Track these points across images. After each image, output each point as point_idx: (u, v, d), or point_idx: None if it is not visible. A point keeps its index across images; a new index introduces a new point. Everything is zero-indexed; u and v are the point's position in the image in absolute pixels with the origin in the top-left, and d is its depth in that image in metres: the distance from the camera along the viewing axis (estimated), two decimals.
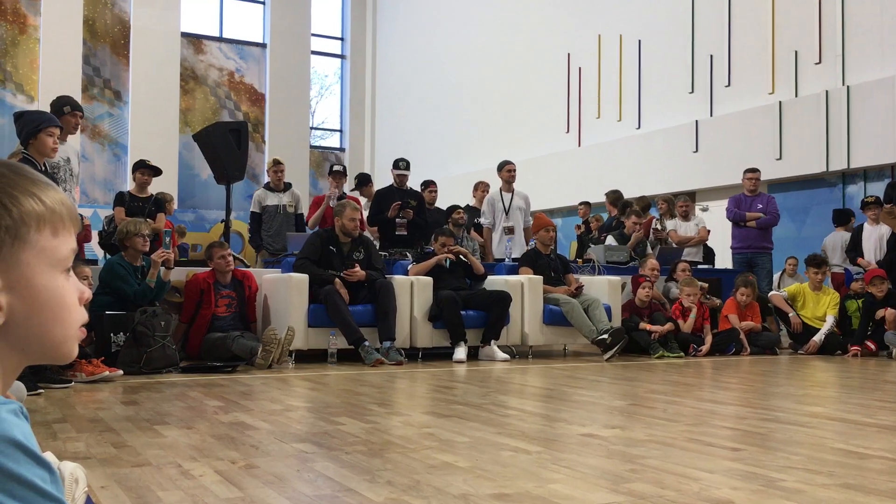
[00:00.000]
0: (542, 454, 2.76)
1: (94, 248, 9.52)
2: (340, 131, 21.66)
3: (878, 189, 10.40)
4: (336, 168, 8.76)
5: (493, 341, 6.81)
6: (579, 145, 15.26)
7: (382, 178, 11.10)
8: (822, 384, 5.45)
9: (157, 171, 7.91)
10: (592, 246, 9.20)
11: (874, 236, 8.71)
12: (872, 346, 7.68)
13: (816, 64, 11.37)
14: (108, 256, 7.47)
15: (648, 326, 7.33)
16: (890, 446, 2.99)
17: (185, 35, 18.71)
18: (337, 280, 6.43)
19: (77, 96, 15.92)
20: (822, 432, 3.31)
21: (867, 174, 10.88)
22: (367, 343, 6.21)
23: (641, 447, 2.90)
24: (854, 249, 8.84)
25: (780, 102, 11.65)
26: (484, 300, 6.92)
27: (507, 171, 8.88)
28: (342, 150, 21.38)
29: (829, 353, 7.80)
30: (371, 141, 21.46)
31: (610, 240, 9.03)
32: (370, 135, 21.51)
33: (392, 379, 5.31)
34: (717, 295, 8.38)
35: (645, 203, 10.17)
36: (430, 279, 6.91)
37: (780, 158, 11.50)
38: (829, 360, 7.32)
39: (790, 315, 8.10)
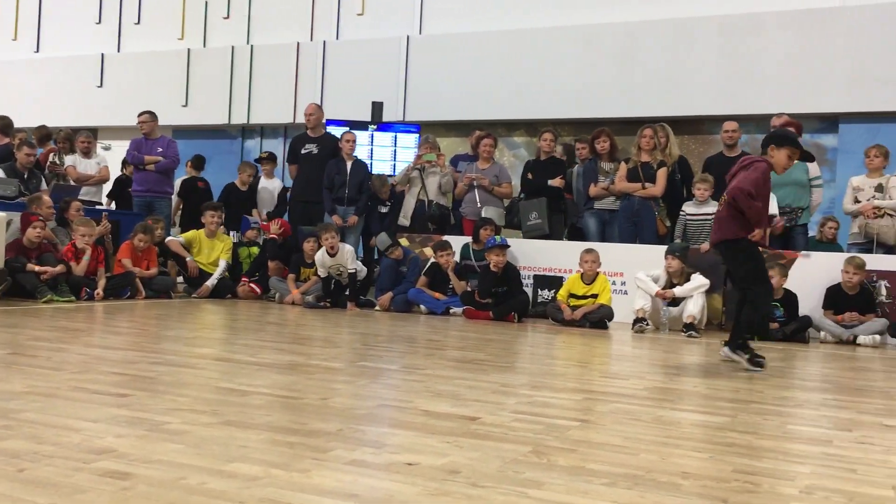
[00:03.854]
0: None
1: None
2: None
3: (273, 145, 11.27)
4: None
5: None
6: None
7: None
8: (213, 326, 5.70)
9: None
10: None
11: (269, 188, 9.46)
12: (258, 290, 8.34)
13: (225, 19, 11.76)
14: None
15: (37, 268, 6.78)
16: (268, 382, 3.26)
17: None
18: None
19: None
20: (210, 373, 3.45)
21: (264, 130, 11.69)
22: None
23: (19, 400, 2.65)
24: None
25: (188, 50, 11.77)
26: None
27: None
28: None
29: (220, 296, 8.21)
30: None
31: None
32: None
33: None
34: (116, 239, 8.13)
35: (45, 133, 9.38)
36: None
37: (187, 105, 11.66)
38: (220, 303, 7.71)
39: (187, 259, 8.31)
